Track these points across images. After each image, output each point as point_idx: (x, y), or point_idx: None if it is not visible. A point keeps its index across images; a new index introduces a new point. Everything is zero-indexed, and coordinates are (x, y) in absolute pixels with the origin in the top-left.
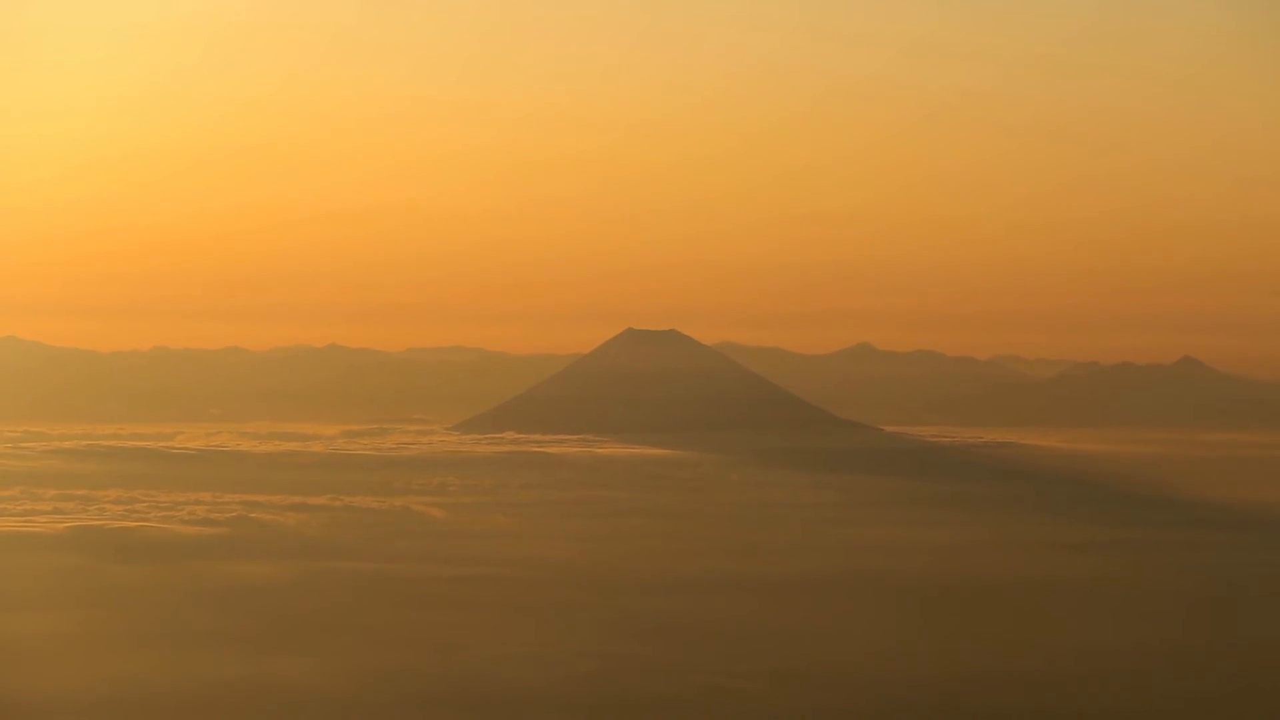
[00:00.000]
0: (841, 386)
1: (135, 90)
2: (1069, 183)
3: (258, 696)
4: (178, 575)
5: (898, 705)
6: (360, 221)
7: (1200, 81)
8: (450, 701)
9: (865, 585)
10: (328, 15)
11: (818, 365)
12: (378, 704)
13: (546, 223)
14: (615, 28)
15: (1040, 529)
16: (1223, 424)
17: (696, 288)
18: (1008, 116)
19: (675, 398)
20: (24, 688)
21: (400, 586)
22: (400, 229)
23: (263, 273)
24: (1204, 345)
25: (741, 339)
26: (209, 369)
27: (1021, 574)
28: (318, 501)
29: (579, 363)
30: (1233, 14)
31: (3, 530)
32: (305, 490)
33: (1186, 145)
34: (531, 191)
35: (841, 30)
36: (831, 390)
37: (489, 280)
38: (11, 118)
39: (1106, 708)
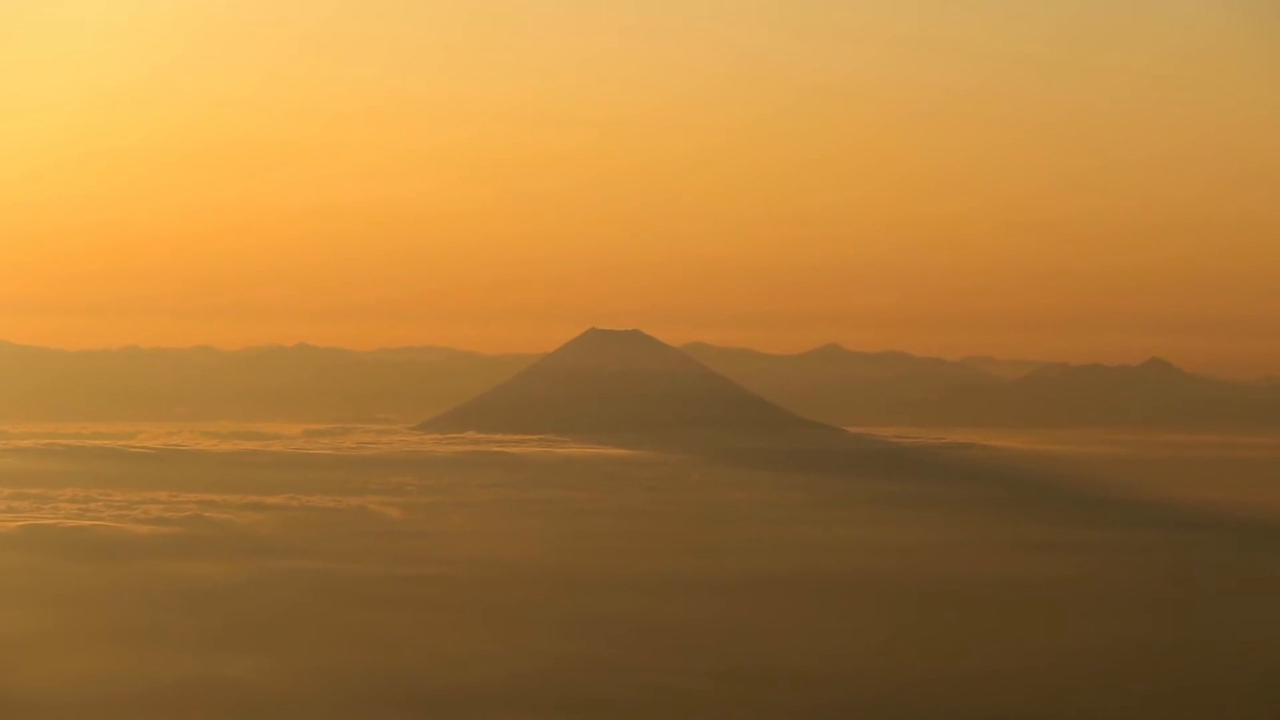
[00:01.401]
0: (809, 387)
1: (111, 88)
2: (1048, 182)
3: (205, 696)
4: (128, 574)
5: (852, 705)
6: (336, 219)
7: (1179, 79)
8: (395, 700)
9: (822, 585)
10: (305, 11)
11: (786, 366)
12: (323, 702)
13: (523, 220)
14: (595, 24)
15: (1000, 529)
16: (1190, 425)
17: (670, 287)
18: (988, 115)
19: (637, 398)
20: None
21: (352, 585)
22: (376, 227)
23: (237, 271)
24: (1172, 346)
25: (711, 339)
26: (179, 368)
27: (981, 574)
28: (274, 501)
29: (541, 362)
30: (1215, 11)
31: None
32: (262, 489)
33: (1165, 144)
34: (509, 189)
35: (824, 27)
36: (798, 391)
37: (463, 279)
38: None
39: (1067, 707)
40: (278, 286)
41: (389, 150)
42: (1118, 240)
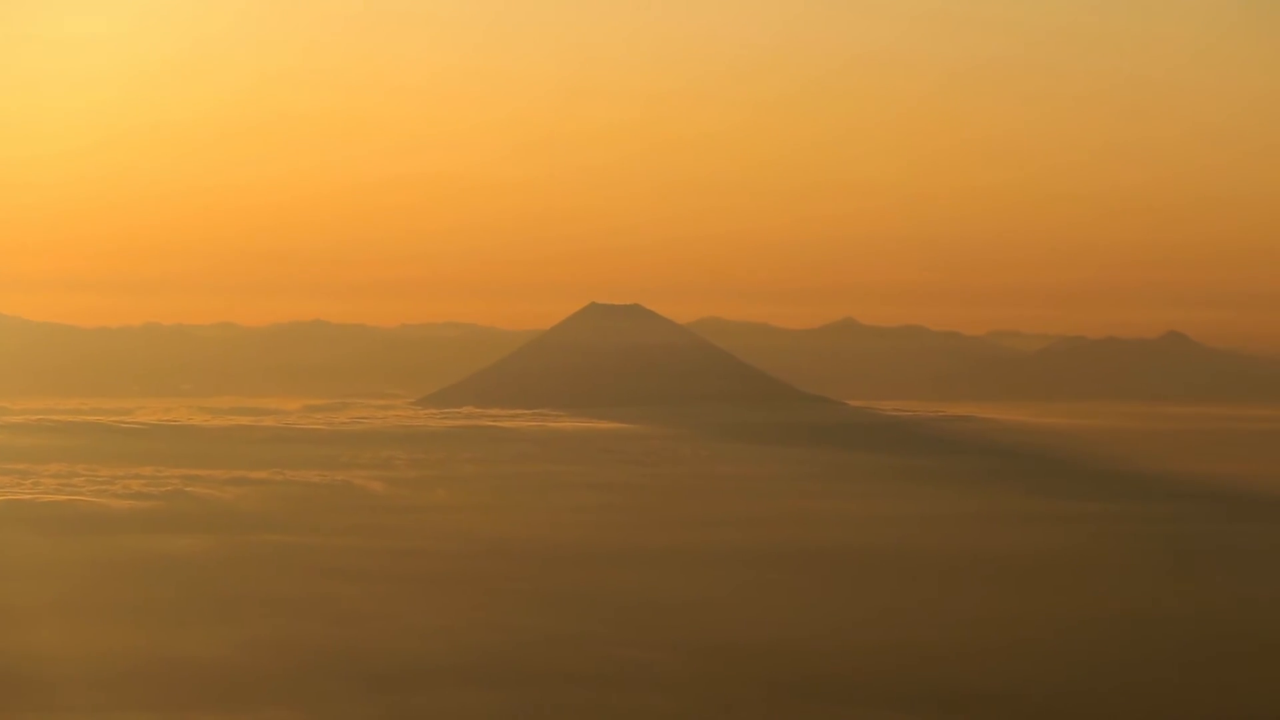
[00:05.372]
0: (819, 362)
1: (146, 66)
2: (1085, 156)
3: (158, 669)
4: (97, 548)
5: (823, 679)
6: (371, 195)
7: (1215, 53)
8: (350, 675)
9: (802, 559)
10: None
11: (799, 340)
12: (277, 677)
13: (561, 196)
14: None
15: (992, 501)
16: (1205, 398)
17: (695, 261)
18: (1023, 87)
19: (635, 373)
20: None
21: (325, 560)
22: (412, 202)
23: (266, 247)
24: (1190, 320)
25: (726, 313)
26: (197, 345)
27: (967, 547)
28: (259, 476)
29: (542, 337)
30: None
31: None
32: (248, 464)
33: (1199, 117)
34: (548, 164)
35: None
36: (808, 366)
37: (493, 254)
38: (11, 91)
39: (1050, 681)
40: (304, 263)
41: (429, 126)
42: (1152, 214)
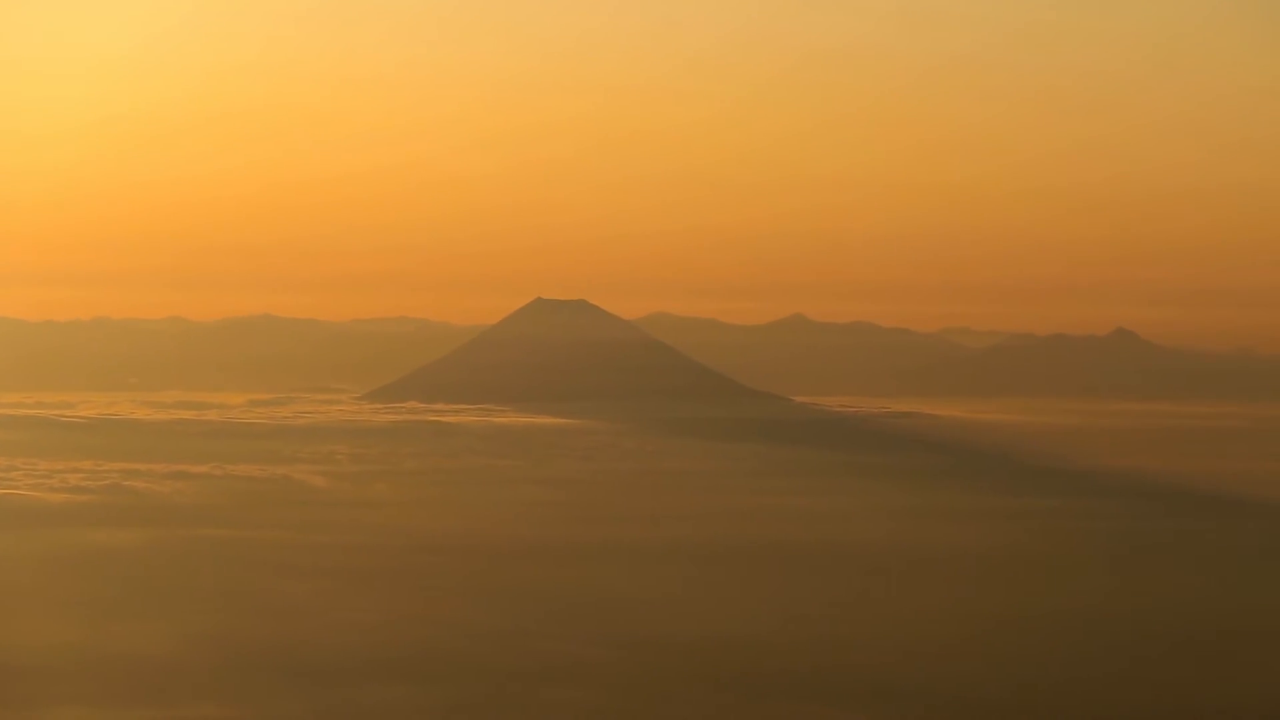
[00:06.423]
0: (766, 358)
1: (98, 61)
2: (1044, 152)
3: (90, 662)
4: (33, 542)
5: (759, 673)
6: (324, 189)
7: (1171, 51)
8: (279, 669)
9: (738, 553)
10: None
11: (748, 336)
12: (207, 670)
13: (517, 190)
14: None
15: (927, 497)
16: (1154, 395)
17: (641, 256)
18: (981, 84)
19: (581, 368)
20: None
21: (262, 553)
22: (359, 197)
23: (220, 242)
24: (1139, 317)
25: (675, 309)
26: (146, 339)
27: (900, 541)
28: (199, 470)
29: (487, 332)
30: None
31: None
32: (189, 458)
33: (1153, 115)
34: (505, 158)
35: None
36: (755, 362)
37: (442, 248)
38: None
39: (963, 676)
40: (255, 257)
41: (379, 121)
42: (1104, 211)
